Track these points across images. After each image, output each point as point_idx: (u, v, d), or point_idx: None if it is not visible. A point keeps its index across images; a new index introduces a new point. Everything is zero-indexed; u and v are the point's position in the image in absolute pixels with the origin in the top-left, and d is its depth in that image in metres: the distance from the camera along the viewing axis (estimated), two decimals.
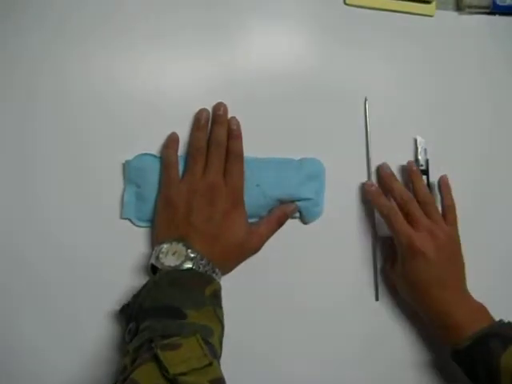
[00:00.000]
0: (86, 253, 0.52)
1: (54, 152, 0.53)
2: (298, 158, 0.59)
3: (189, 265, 0.48)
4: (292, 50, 0.62)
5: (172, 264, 0.48)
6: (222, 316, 0.48)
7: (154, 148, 0.55)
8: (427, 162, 0.62)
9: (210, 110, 0.56)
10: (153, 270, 0.51)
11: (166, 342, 0.41)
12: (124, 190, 0.54)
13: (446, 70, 0.66)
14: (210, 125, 0.56)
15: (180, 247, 0.49)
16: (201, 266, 0.49)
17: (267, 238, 0.56)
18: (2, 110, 0.52)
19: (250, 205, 0.55)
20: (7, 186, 0.51)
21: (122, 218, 0.54)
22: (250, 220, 0.56)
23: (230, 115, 0.57)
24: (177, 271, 0.48)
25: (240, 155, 0.55)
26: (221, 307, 0.49)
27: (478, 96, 0.66)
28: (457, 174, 0.63)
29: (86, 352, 0.51)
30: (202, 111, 0.55)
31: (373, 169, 0.61)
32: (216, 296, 0.48)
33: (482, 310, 0.54)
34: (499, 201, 0.65)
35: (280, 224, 0.56)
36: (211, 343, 0.43)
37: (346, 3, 0.63)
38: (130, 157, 0.54)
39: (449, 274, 0.54)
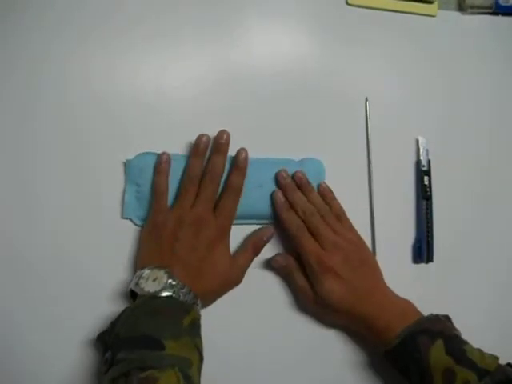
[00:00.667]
0: (86, 252, 0.52)
1: (54, 152, 0.53)
2: (299, 158, 0.59)
3: (169, 292, 0.47)
4: (293, 50, 0.62)
5: (151, 290, 0.47)
6: (201, 345, 0.47)
7: (155, 147, 0.55)
8: (429, 162, 0.62)
9: (211, 110, 0.57)
10: (132, 295, 0.49)
11: (143, 375, 0.40)
12: (124, 189, 0.54)
13: (447, 70, 0.65)
14: (208, 152, 0.55)
15: (161, 274, 0.48)
16: (181, 295, 0.47)
17: (247, 268, 0.54)
18: (2, 110, 0.52)
19: (251, 206, 0.55)
20: (7, 186, 0.51)
21: (122, 217, 0.53)
22: (250, 221, 0.56)
23: (230, 116, 0.57)
24: (155, 299, 0.46)
25: (239, 191, 0.54)
26: (199, 337, 0.47)
27: (480, 96, 0.66)
28: (459, 174, 0.63)
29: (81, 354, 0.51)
30: (201, 137, 0.54)
31: (374, 170, 0.60)
32: (195, 325, 0.47)
33: (407, 307, 0.53)
34: (501, 201, 0.65)
35: (257, 252, 0.55)
36: (190, 375, 0.42)
37: (347, 3, 0.64)
38: (130, 156, 0.54)
39: (364, 281, 0.53)
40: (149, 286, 0.47)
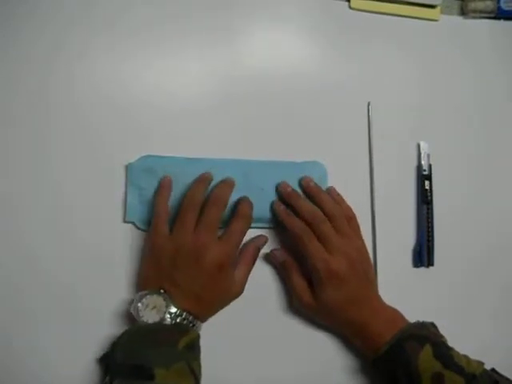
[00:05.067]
0: (91, 253, 0.53)
1: (60, 153, 0.54)
2: (301, 161, 0.59)
3: (168, 322, 0.47)
4: (296, 54, 0.62)
5: (150, 320, 0.47)
6: (198, 368, 0.47)
7: (157, 149, 0.55)
8: (430, 167, 0.62)
9: (213, 114, 0.57)
10: None
11: None
12: (127, 192, 0.54)
13: (450, 75, 0.66)
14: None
15: (160, 302, 0.48)
16: (179, 320, 0.48)
17: (247, 279, 0.54)
18: (10, 114, 0.53)
19: (257, 210, 0.55)
20: (17, 188, 0.52)
21: (125, 221, 0.54)
22: (254, 224, 0.56)
23: (232, 119, 0.58)
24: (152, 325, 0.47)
25: (249, 217, 0.54)
26: (197, 359, 0.48)
27: (482, 101, 0.66)
28: (459, 179, 0.63)
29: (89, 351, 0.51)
30: (208, 174, 0.55)
31: (375, 174, 0.61)
32: (192, 347, 0.47)
33: (396, 315, 0.53)
34: (502, 206, 0.65)
35: (255, 260, 0.55)
36: None
37: (351, 7, 0.64)
38: (131, 159, 0.55)
39: (363, 289, 0.54)
40: (148, 316, 0.47)
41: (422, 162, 0.62)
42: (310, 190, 0.56)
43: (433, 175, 0.62)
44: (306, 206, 0.55)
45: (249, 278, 0.54)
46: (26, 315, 0.50)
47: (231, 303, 0.54)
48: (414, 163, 0.63)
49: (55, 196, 0.53)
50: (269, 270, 0.57)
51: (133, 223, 0.54)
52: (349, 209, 0.57)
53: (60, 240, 0.52)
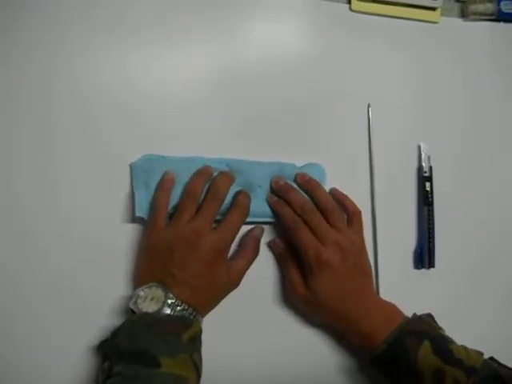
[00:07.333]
0: (93, 251, 0.53)
1: (60, 153, 0.54)
2: (300, 163, 0.59)
3: (167, 311, 0.47)
4: (296, 55, 0.62)
5: (150, 310, 0.47)
6: (200, 360, 0.47)
7: (159, 148, 0.55)
8: (431, 169, 0.62)
9: (214, 114, 0.58)
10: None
11: None
12: (134, 189, 0.54)
13: (450, 77, 0.66)
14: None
15: (159, 292, 0.48)
16: (179, 312, 0.48)
17: (246, 270, 0.54)
18: (12, 110, 0.53)
19: (256, 205, 0.55)
20: (19, 187, 0.52)
21: (135, 216, 0.53)
22: (255, 219, 0.56)
23: (232, 119, 0.58)
24: (155, 314, 0.47)
25: (247, 209, 0.54)
26: (199, 352, 0.48)
27: (482, 102, 0.66)
28: (460, 180, 0.64)
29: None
30: (208, 167, 0.55)
31: (375, 176, 0.61)
32: (194, 340, 0.47)
33: (393, 311, 0.53)
34: (503, 208, 0.65)
35: (257, 252, 0.55)
36: None
37: (351, 9, 0.64)
38: (134, 157, 0.55)
39: (357, 283, 0.53)
40: (147, 306, 0.47)
41: (423, 164, 0.62)
42: (305, 184, 0.57)
43: (433, 177, 0.62)
44: (297, 197, 0.55)
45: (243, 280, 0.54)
46: (26, 311, 0.50)
47: (226, 298, 0.53)
48: (415, 165, 0.63)
49: (55, 195, 0.53)
50: (265, 266, 0.57)
51: (142, 218, 0.53)
52: (352, 204, 0.57)
53: (61, 238, 0.52)
